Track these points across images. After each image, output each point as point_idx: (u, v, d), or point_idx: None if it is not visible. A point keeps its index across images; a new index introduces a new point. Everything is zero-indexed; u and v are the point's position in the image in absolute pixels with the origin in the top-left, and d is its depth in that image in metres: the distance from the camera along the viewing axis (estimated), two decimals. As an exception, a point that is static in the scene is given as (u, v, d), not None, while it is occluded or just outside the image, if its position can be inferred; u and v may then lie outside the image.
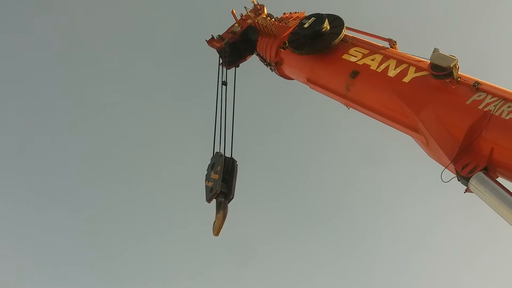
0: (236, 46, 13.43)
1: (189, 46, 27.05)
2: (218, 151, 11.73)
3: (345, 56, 10.63)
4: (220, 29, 13.74)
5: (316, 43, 11.04)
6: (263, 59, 13.05)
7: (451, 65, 8.68)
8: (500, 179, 7.74)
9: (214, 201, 11.16)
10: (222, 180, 11.09)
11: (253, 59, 13.78)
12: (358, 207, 27.24)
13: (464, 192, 7.98)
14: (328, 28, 11.06)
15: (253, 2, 13.81)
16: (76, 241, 27.49)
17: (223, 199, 11.05)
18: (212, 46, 13.52)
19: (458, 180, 7.95)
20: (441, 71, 8.80)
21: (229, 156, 11.64)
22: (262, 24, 12.81)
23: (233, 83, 13.04)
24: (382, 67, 9.93)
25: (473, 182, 7.65)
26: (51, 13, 30.53)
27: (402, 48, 10.40)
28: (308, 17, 11.41)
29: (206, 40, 13.61)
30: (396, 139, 10.38)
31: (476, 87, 8.44)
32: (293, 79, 12.81)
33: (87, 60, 30.17)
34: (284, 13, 13.38)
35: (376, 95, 9.88)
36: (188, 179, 22.60)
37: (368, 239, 26.56)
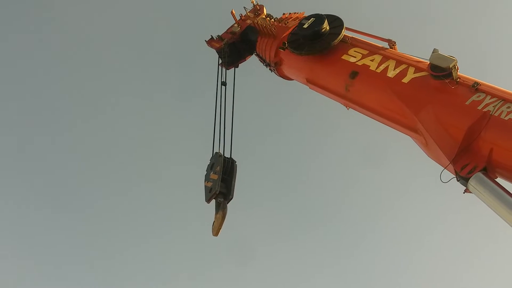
0: (235, 47, 13.42)
1: (188, 46, 27.18)
2: (218, 151, 11.72)
3: (344, 57, 10.63)
4: (219, 30, 13.76)
5: (315, 43, 11.04)
6: (262, 60, 13.05)
7: (451, 66, 8.69)
8: (499, 180, 7.74)
9: (213, 201, 11.17)
10: (222, 180, 11.08)
11: (253, 60, 13.79)
12: (357, 207, 27.29)
13: (463, 193, 7.99)
14: (328, 28, 11.06)
15: (252, 2, 13.81)
16: (76, 241, 27.56)
17: (222, 200, 11.04)
18: (212, 46, 13.52)
19: (457, 181, 7.96)
20: (441, 71, 8.81)
21: (229, 157, 11.63)
22: (261, 25, 12.81)
23: (233, 84, 13.04)
24: (382, 67, 9.94)
25: (472, 182, 7.66)
26: (51, 13, 30.60)
27: (401, 49, 10.42)
28: (308, 18, 11.41)
29: (205, 41, 13.61)
30: (396, 140, 10.40)
31: (476, 87, 8.45)
32: (293, 80, 12.82)
33: (87, 60, 30.25)
34: (284, 14, 13.37)
35: (376, 95, 9.88)
36: (187, 179, 22.61)
37: (368, 239, 26.61)
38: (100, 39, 30.51)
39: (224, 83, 12.92)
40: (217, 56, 13.48)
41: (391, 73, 9.71)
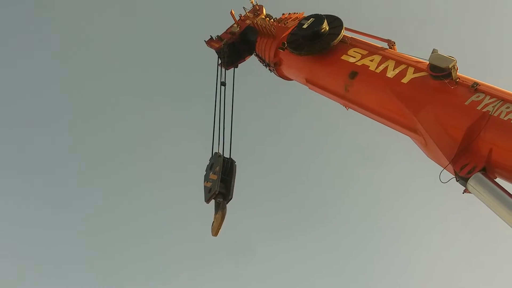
0: (235, 47, 13.41)
1: (188, 46, 27.15)
2: (217, 152, 11.72)
3: (344, 57, 10.63)
4: (218, 30, 13.75)
5: (315, 43, 11.04)
6: (262, 60, 13.05)
7: (450, 66, 8.70)
8: (498, 180, 7.74)
9: (213, 201, 11.17)
10: (221, 180, 11.08)
11: (252, 60, 13.78)
12: (357, 207, 27.30)
13: (463, 193, 7.98)
14: (327, 29, 11.06)
15: (252, 2, 13.80)
16: (76, 241, 27.56)
17: (221, 200, 11.04)
18: (211, 46, 13.51)
19: (457, 181, 7.95)
20: (440, 72, 8.81)
21: (228, 157, 11.64)
22: (261, 25, 12.81)
23: (232, 84, 13.05)
24: (381, 68, 9.94)
25: (471, 182, 7.66)
26: (51, 13, 30.60)
27: (401, 49, 10.43)
28: (307, 18, 11.41)
29: (205, 41, 13.61)
30: (395, 140, 10.40)
31: (475, 88, 8.45)
32: (292, 80, 12.82)
33: (87, 60, 30.25)
34: (283, 14, 13.36)
35: (375, 95, 9.88)
36: (186, 180, 22.61)
37: (367, 239, 26.62)
38: (100, 39, 30.56)
39: (223, 83, 12.92)
40: (217, 56, 13.48)
41: (390, 73, 9.71)
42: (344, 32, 11.02)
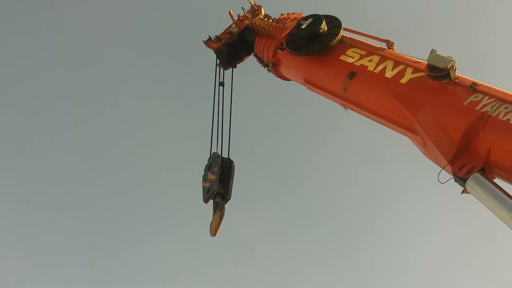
0: (233, 47, 13.40)
1: (186, 46, 27.10)
2: (215, 152, 11.72)
3: (342, 57, 10.62)
4: (217, 30, 13.74)
5: (313, 44, 11.03)
6: (260, 60, 13.04)
7: (448, 66, 8.70)
8: (497, 180, 7.74)
9: (211, 201, 11.16)
10: (219, 180, 11.10)
11: (251, 60, 13.78)
12: (356, 207, 27.33)
13: (461, 193, 7.98)
14: (326, 29, 11.06)
15: (250, 2, 13.77)
16: (76, 241, 27.57)
17: (220, 200, 11.05)
18: (209, 46, 13.50)
19: (455, 181, 7.95)
20: (438, 72, 8.81)
21: (226, 157, 11.64)
22: (259, 25, 12.80)
23: (230, 84, 13.03)
24: (380, 68, 9.93)
25: (470, 183, 7.66)
26: (51, 13, 30.61)
27: (399, 49, 10.43)
28: (306, 18, 11.40)
29: (203, 41, 13.59)
30: (394, 140, 10.40)
31: (473, 88, 8.45)
32: (291, 80, 12.81)
33: (87, 60, 30.28)
34: (282, 14, 13.36)
35: (374, 96, 9.88)
36: (185, 180, 22.61)
37: (366, 239, 26.65)
38: (100, 39, 30.56)
39: (222, 84, 12.93)
40: (215, 56, 13.47)
41: (389, 74, 9.71)
42: (342, 33, 11.01)
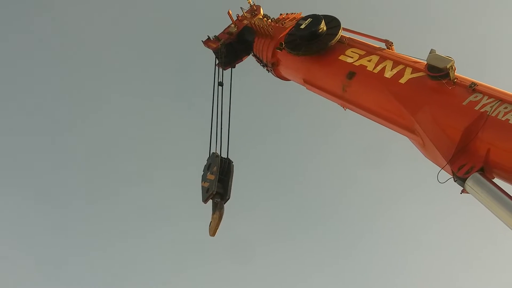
0: (232, 47, 13.41)
1: (185, 47, 27.11)
2: (214, 152, 11.72)
3: (341, 57, 10.62)
4: (216, 30, 13.74)
5: (312, 44, 11.03)
6: (259, 60, 13.04)
7: (448, 66, 8.69)
8: (496, 180, 7.73)
9: (210, 201, 11.16)
10: (218, 180, 11.09)
11: (250, 60, 13.77)
12: (355, 207, 27.33)
13: (461, 193, 7.97)
14: (325, 29, 11.05)
15: (249, 2, 13.77)
16: (76, 241, 27.59)
17: (219, 200, 11.05)
18: (208, 46, 13.50)
19: (455, 181, 7.95)
20: (438, 72, 8.81)
21: (225, 157, 11.63)
22: (258, 25, 12.80)
23: (229, 84, 13.03)
24: (379, 68, 9.93)
25: (469, 183, 7.65)
26: (51, 13, 30.63)
27: (398, 49, 10.43)
28: (305, 18, 11.40)
29: (202, 41, 13.59)
30: (393, 140, 10.41)
31: (473, 88, 8.45)
32: (290, 80, 12.80)
33: (87, 60, 30.29)
34: (281, 14, 13.36)
35: (373, 96, 9.87)
36: (184, 180, 22.61)
37: (366, 239, 26.66)
38: (99, 39, 30.59)
39: (221, 84, 12.93)
40: (214, 56, 13.46)
41: (388, 74, 9.71)
42: (341, 32, 11.01)
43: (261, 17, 13.46)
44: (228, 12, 13.51)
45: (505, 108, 7.80)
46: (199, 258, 26.35)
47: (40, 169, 29.39)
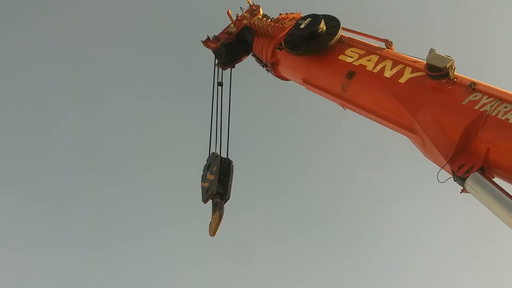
0: (231, 47, 13.40)
1: (184, 47, 27.10)
2: (214, 152, 11.72)
3: (341, 57, 10.62)
4: (215, 30, 13.74)
5: (312, 44, 11.03)
6: (259, 60, 13.04)
7: (447, 66, 8.69)
8: (496, 180, 7.73)
9: (210, 201, 11.15)
10: (218, 180, 11.09)
11: (249, 60, 13.77)
12: (355, 207, 27.31)
13: (460, 193, 7.97)
14: (324, 28, 11.05)
15: (248, 2, 13.77)
16: (76, 241, 27.58)
17: (219, 200, 11.05)
18: (208, 46, 13.50)
19: (455, 181, 7.94)
20: (437, 71, 8.80)
21: (225, 157, 11.63)
22: (258, 25, 12.79)
23: (229, 84, 13.03)
24: (378, 67, 9.93)
25: (469, 182, 7.64)
26: (51, 13, 30.63)
27: (398, 49, 10.43)
28: (304, 18, 11.40)
29: (201, 41, 13.58)
30: (393, 140, 10.40)
31: (472, 87, 8.45)
32: (289, 80, 12.80)
33: (87, 60, 30.29)
34: (280, 14, 13.35)
35: (372, 95, 9.87)
36: (184, 180, 22.58)
37: (365, 239, 26.63)
38: (99, 39, 30.58)
39: (220, 84, 12.93)
40: (214, 56, 13.46)
41: (388, 73, 9.71)
42: (341, 32, 11.01)
43: (260, 17, 13.45)
44: (228, 12, 13.51)
45: (505, 107, 7.80)
46: (199, 258, 26.32)
47: (40, 169, 29.43)
